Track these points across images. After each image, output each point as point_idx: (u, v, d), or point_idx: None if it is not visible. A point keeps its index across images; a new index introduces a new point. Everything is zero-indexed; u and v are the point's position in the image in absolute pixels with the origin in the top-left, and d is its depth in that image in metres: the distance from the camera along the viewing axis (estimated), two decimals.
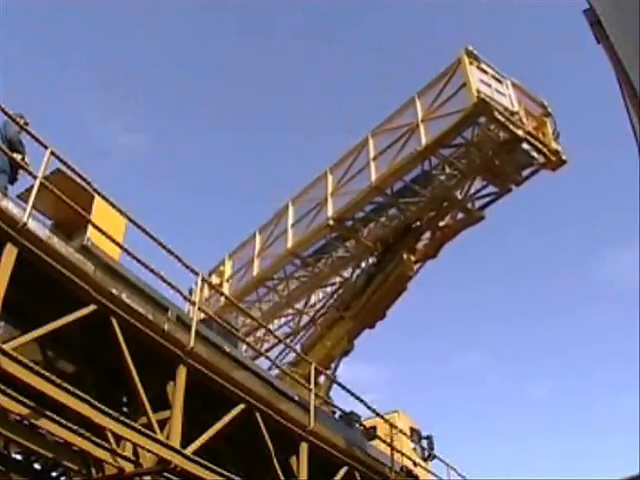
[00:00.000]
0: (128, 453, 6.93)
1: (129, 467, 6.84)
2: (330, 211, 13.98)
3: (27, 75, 37.23)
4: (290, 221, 15.11)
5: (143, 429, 6.70)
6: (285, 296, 16.19)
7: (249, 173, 49.28)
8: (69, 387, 5.99)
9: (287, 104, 50.95)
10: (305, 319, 16.78)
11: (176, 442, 7.06)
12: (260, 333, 16.97)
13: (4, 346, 5.57)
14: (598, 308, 49.25)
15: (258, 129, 46.89)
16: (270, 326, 15.92)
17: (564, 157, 12.82)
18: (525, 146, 12.49)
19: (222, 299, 15.21)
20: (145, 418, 6.94)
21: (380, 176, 13.19)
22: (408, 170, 13.08)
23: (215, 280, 16.54)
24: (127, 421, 6.56)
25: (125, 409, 7.84)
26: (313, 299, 16.75)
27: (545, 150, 12.56)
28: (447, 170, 13.27)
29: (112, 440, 6.83)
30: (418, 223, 14.27)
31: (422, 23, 45.47)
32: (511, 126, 11.99)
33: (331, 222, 13.83)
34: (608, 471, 37.12)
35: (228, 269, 16.81)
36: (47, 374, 5.85)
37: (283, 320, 17.04)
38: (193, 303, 8.31)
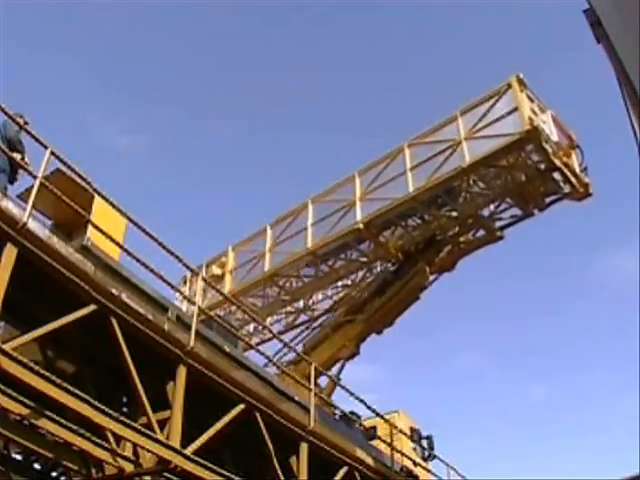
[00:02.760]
0: (128, 453, 6.93)
1: (129, 467, 6.84)
2: (360, 215, 14.12)
3: (27, 75, 37.24)
4: (310, 220, 15.17)
5: (143, 429, 6.69)
6: (290, 293, 16.24)
7: (246, 173, 49.31)
8: (69, 387, 5.98)
9: (286, 105, 50.96)
10: (302, 318, 16.84)
11: (176, 442, 7.06)
12: (251, 327, 16.98)
13: (4, 346, 5.56)
14: (598, 308, 49.30)
15: (257, 129, 46.93)
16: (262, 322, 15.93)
17: (591, 190, 13.31)
18: (556, 175, 13.05)
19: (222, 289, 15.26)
20: (145, 418, 6.94)
21: (420, 187, 13.39)
22: (448, 185, 13.37)
23: (216, 271, 16.56)
24: (127, 421, 6.55)
25: (125, 409, 7.84)
26: (312, 299, 16.77)
27: (574, 181, 13.03)
28: (477, 189, 13.70)
29: (112, 440, 6.83)
30: (441, 236, 14.62)
31: (421, 23, 45.48)
32: (552, 155, 12.45)
33: (361, 226, 13.99)
34: (608, 471, 37.14)
35: (231, 261, 16.76)
36: (47, 374, 5.85)
37: (276, 317, 17.06)
38: (193, 303, 8.31)
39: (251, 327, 17.12)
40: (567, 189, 13.33)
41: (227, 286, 16.14)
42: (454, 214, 14.02)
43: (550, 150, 12.40)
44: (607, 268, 49.95)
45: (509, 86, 12.81)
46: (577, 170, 13.17)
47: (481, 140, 12.86)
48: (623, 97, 4.52)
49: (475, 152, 12.78)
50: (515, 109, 12.41)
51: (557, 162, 12.59)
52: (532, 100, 12.75)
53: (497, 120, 12.72)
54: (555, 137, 12.60)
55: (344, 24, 44.68)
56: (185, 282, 16.47)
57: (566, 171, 12.82)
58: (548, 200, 13.95)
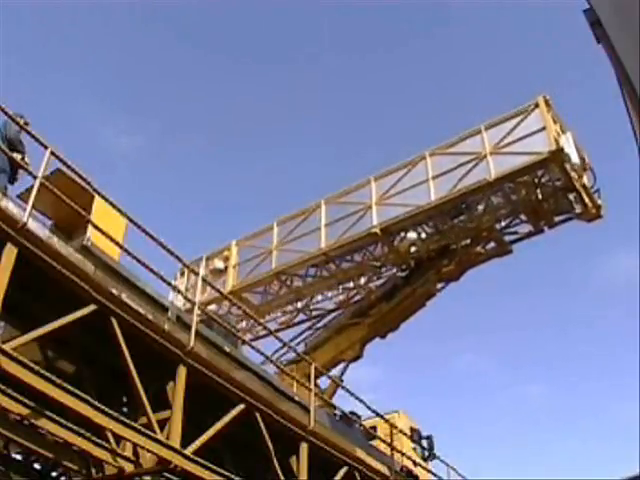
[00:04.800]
0: (128, 453, 6.93)
1: (129, 467, 6.84)
2: (377, 219, 14.19)
3: (26, 76, 37.24)
4: (324, 221, 15.22)
5: (143, 429, 6.70)
6: (294, 292, 16.24)
7: (241, 175, 49.38)
8: (69, 387, 5.99)
9: (285, 109, 50.99)
10: (300, 317, 16.86)
11: (176, 442, 7.06)
12: (244, 323, 16.96)
13: (4, 346, 5.56)
14: (597, 309, 49.27)
15: (252, 134, 47.00)
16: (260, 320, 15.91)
17: (602, 213, 13.54)
18: (571, 196, 13.34)
19: (222, 285, 15.36)
20: (145, 418, 6.94)
21: (442, 196, 13.51)
22: (470, 196, 13.54)
23: (219, 264, 16.55)
24: (127, 421, 6.55)
25: (125, 409, 7.83)
26: (313, 299, 16.74)
27: (588, 202, 13.28)
28: (495, 202, 13.90)
29: (112, 440, 6.83)
30: (454, 246, 14.81)
31: (420, 22, 45.48)
32: (572, 176, 12.74)
33: (378, 230, 14.06)
34: (608, 471, 37.13)
35: (234, 255, 16.74)
36: (47, 374, 5.85)
37: (273, 315, 17.04)
38: (193, 303, 8.31)
39: (244, 323, 17.05)
40: (579, 209, 13.57)
41: (230, 281, 16.13)
42: (470, 225, 14.19)
43: (570, 171, 12.65)
44: (607, 269, 49.92)
45: (536, 106, 13.07)
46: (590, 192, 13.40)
47: (506, 156, 13.09)
48: (623, 97, 4.52)
49: (500, 167, 13.02)
50: (542, 129, 12.67)
51: (576, 184, 12.86)
52: (555, 121, 13.02)
53: (522, 138, 12.95)
54: (575, 159, 12.80)
55: (346, 26, 44.70)
56: (182, 274, 16.39)
57: (582, 192, 13.07)
58: (558, 219, 14.19)
